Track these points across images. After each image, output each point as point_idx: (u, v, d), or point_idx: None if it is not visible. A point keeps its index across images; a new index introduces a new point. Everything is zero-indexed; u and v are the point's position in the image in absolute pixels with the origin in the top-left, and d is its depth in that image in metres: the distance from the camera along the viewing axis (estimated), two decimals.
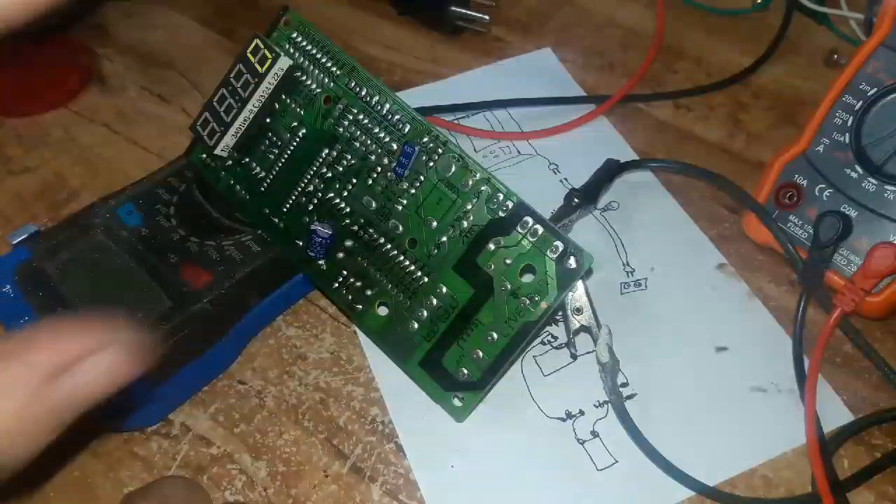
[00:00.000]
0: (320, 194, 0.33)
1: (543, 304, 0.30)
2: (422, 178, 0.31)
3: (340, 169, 0.33)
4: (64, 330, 0.22)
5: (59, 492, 0.31)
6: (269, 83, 0.33)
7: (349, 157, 0.33)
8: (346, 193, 0.33)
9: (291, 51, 0.33)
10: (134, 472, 0.32)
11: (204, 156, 0.36)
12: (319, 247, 0.32)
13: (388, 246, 0.32)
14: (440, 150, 0.31)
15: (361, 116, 0.32)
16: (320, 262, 0.33)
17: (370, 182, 0.32)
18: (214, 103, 0.34)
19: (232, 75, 0.34)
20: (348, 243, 0.33)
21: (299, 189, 0.33)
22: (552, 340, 0.35)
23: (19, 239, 0.33)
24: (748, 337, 0.35)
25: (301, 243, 0.33)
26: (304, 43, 0.33)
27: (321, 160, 0.33)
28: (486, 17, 0.49)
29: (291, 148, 0.34)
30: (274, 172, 0.34)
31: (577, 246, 0.29)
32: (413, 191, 0.31)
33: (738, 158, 0.43)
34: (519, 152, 0.43)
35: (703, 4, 0.51)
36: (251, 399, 0.34)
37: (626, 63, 0.48)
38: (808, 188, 0.36)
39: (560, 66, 0.48)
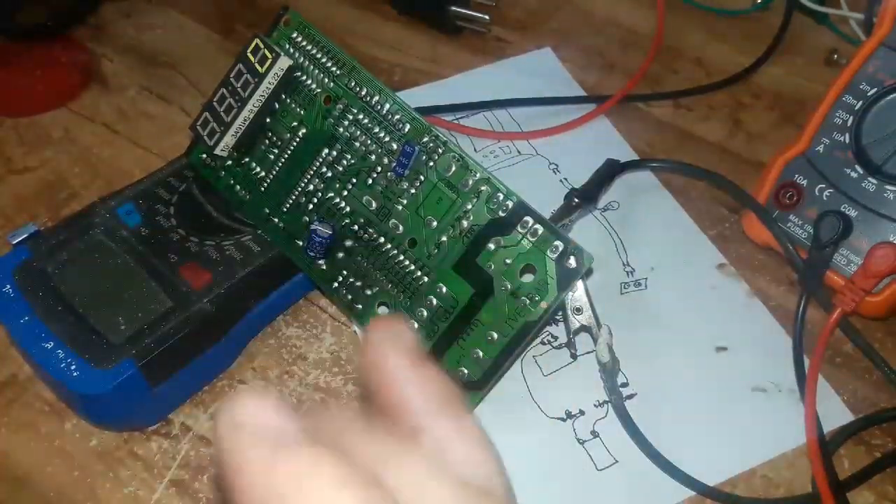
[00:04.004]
0: (320, 194, 0.33)
1: (543, 304, 0.30)
2: (422, 177, 0.31)
3: (340, 169, 0.33)
4: None
5: (59, 492, 0.31)
6: (269, 83, 0.33)
7: (349, 156, 0.33)
8: (346, 193, 0.33)
9: (291, 51, 0.33)
10: (134, 471, 0.32)
11: (204, 156, 0.36)
12: (319, 247, 0.32)
13: (388, 246, 0.32)
14: (440, 150, 0.31)
15: (361, 116, 0.32)
16: (320, 262, 0.33)
17: (370, 182, 0.32)
18: (214, 103, 0.34)
19: (232, 75, 0.34)
20: (348, 243, 0.33)
21: (299, 189, 0.33)
22: (552, 340, 0.35)
23: (19, 239, 0.33)
24: (748, 337, 0.35)
25: (301, 243, 0.33)
26: (304, 43, 0.33)
27: (321, 160, 0.33)
28: (486, 16, 0.49)
29: (291, 148, 0.34)
30: (274, 172, 0.34)
31: (578, 246, 0.29)
32: (413, 190, 0.31)
33: (738, 158, 0.43)
34: (519, 152, 0.43)
35: (703, 4, 0.51)
36: None
37: (626, 63, 0.48)
38: (808, 188, 0.36)
39: (560, 66, 0.48)
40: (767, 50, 0.48)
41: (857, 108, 0.35)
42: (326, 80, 0.33)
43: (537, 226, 0.30)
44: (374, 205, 0.32)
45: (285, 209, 0.34)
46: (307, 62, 0.33)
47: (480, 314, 0.31)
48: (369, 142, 0.32)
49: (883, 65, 0.34)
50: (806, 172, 0.36)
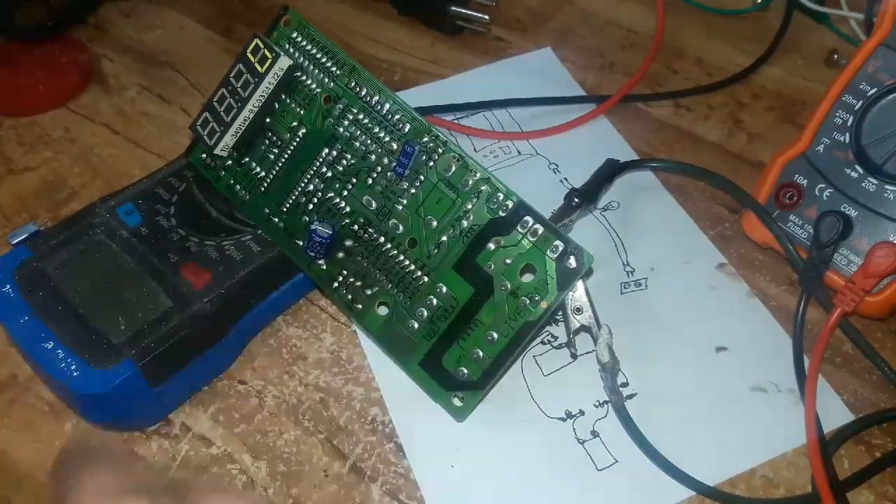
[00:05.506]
0: (320, 194, 0.33)
1: (543, 304, 0.30)
2: (422, 177, 0.31)
3: (340, 169, 0.33)
4: None
5: None
6: (269, 83, 0.33)
7: (349, 156, 0.33)
8: (345, 193, 0.33)
9: (291, 50, 0.33)
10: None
11: (204, 156, 0.36)
12: (319, 246, 0.32)
13: (388, 246, 0.32)
14: (440, 150, 0.31)
15: (361, 116, 0.32)
16: (320, 261, 0.33)
17: (370, 182, 0.32)
18: (214, 103, 0.34)
19: (232, 75, 0.34)
20: (348, 243, 0.33)
21: (299, 189, 0.33)
22: (552, 340, 0.35)
23: (19, 239, 0.33)
24: (748, 337, 0.35)
25: (301, 243, 0.33)
26: (304, 43, 0.33)
27: (321, 160, 0.33)
28: (486, 16, 0.49)
29: (291, 148, 0.34)
30: (274, 172, 0.34)
31: (577, 245, 0.29)
32: (413, 190, 0.31)
33: (738, 158, 0.43)
34: (519, 152, 0.43)
35: (703, 4, 0.51)
36: (251, 399, 0.34)
37: (626, 63, 0.48)
38: (808, 188, 0.36)
39: (560, 66, 0.48)
40: (767, 50, 0.48)
41: (857, 108, 0.35)
42: (326, 79, 0.33)
43: (537, 226, 0.30)
44: (374, 205, 0.32)
45: (285, 209, 0.34)
46: (307, 62, 0.33)
47: (480, 314, 0.31)
48: (369, 142, 0.32)
49: (883, 65, 0.34)
50: (806, 172, 0.36)
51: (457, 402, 0.32)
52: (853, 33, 0.48)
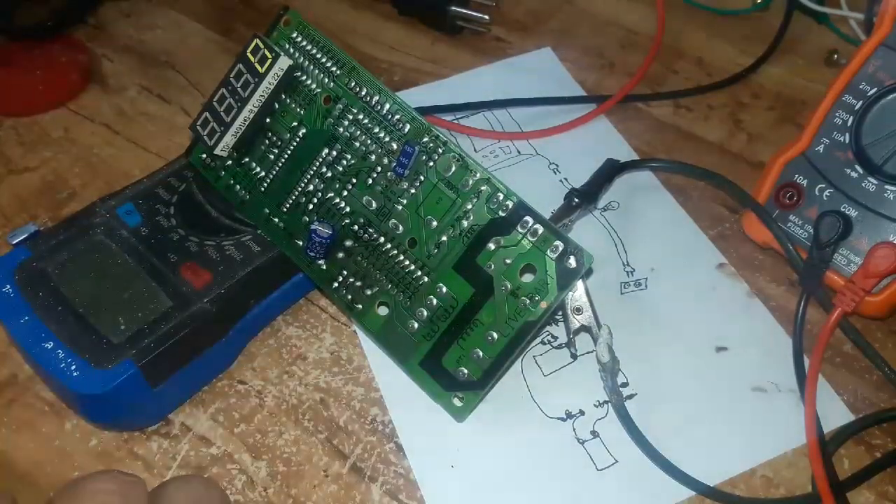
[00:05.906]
0: (320, 194, 0.33)
1: (543, 304, 0.30)
2: (422, 177, 0.31)
3: (340, 169, 0.33)
4: None
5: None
6: (269, 83, 0.33)
7: (349, 156, 0.33)
8: (345, 193, 0.33)
9: (291, 50, 0.33)
10: (134, 471, 0.32)
11: (204, 156, 0.36)
12: (319, 247, 0.32)
13: (388, 246, 0.32)
14: (440, 150, 0.31)
15: (361, 116, 0.32)
16: (320, 262, 0.33)
17: (370, 182, 0.32)
18: (214, 103, 0.34)
19: (232, 75, 0.34)
20: (348, 243, 0.33)
21: (299, 189, 0.33)
22: (552, 340, 0.35)
23: (19, 239, 0.33)
24: (748, 337, 0.35)
25: (301, 243, 0.33)
26: (304, 43, 0.33)
27: (321, 160, 0.33)
28: (486, 16, 0.49)
29: (291, 148, 0.34)
30: (274, 172, 0.34)
31: (577, 245, 0.29)
32: (413, 190, 0.31)
33: (738, 158, 0.43)
34: (519, 152, 0.43)
35: (703, 4, 0.51)
36: (251, 399, 0.34)
37: (626, 63, 0.48)
38: (809, 188, 0.36)
39: (560, 66, 0.48)
40: (767, 50, 0.48)
41: (857, 108, 0.35)
42: (326, 80, 0.33)
43: (537, 226, 0.30)
44: (374, 205, 0.32)
45: (285, 209, 0.34)
46: (307, 62, 0.33)
47: (480, 314, 0.31)
48: (369, 142, 0.32)
49: (883, 65, 0.34)
50: (806, 172, 0.36)
51: (457, 402, 0.32)
52: (853, 33, 0.48)
